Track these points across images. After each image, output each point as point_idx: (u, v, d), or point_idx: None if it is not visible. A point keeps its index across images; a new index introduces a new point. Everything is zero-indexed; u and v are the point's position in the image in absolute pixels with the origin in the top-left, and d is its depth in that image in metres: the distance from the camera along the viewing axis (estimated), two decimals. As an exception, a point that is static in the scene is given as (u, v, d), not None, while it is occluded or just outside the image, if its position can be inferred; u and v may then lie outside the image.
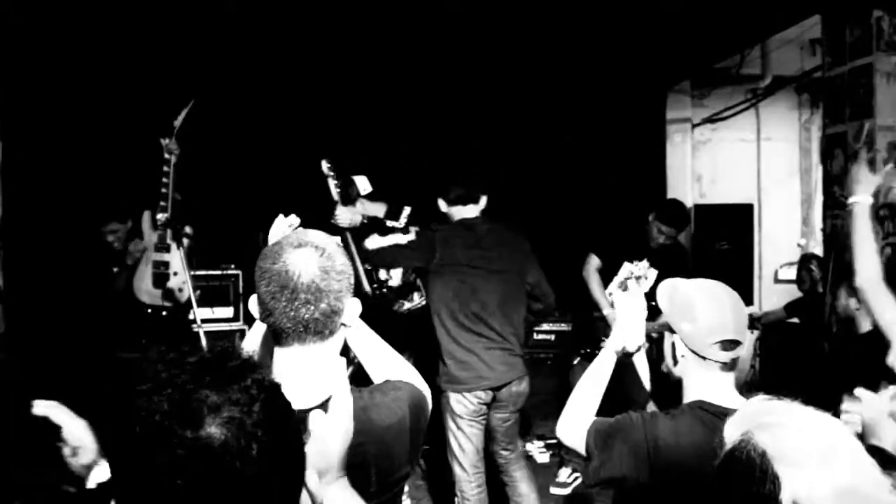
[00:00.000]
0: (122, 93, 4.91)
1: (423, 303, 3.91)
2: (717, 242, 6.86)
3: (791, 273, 6.27)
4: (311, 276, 1.39)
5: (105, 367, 3.94)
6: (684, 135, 7.24)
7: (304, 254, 1.41)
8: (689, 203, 7.12)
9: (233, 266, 5.27)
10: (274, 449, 0.94)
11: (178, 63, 4.83)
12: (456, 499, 3.60)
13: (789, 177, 7.44)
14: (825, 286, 4.54)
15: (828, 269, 4.43)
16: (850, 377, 3.16)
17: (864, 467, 1.09)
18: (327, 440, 1.19)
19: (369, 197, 4.10)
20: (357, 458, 1.36)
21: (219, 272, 5.21)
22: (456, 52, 5.22)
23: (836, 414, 1.18)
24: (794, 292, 5.85)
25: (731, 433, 1.18)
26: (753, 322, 5.59)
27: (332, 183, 3.97)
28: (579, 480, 4.66)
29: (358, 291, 3.82)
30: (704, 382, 1.87)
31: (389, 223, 4.03)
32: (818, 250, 6.06)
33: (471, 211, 3.60)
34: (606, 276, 4.56)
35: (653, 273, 4.45)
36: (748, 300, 5.60)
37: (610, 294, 4.49)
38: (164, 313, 4.23)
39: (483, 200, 3.63)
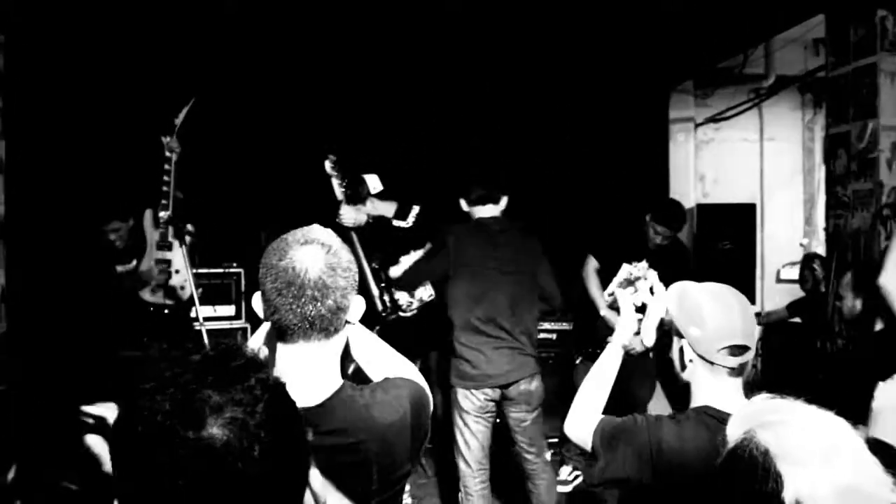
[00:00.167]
0: (123, 91, 4.91)
1: (433, 297, 3.92)
2: (720, 242, 6.84)
3: (793, 273, 6.27)
4: (319, 272, 1.39)
5: (107, 365, 3.95)
6: (687, 134, 7.23)
7: (310, 250, 1.41)
8: (691, 203, 7.12)
9: (234, 264, 5.27)
10: (277, 450, 0.93)
11: (179, 61, 4.84)
12: (459, 494, 3.64)
13: (792, 177, 7.44)
14: (828, 286, 4.53)
15: (830, 269, 4.43)
16: (863, 375, 3.18)
17: (866, 466, 1.09)
18: None
19: (379, 196, 4.10)
20: (359, 455, 1.36)
21: (221, 270, 5.22)
22: (458, 52, 5.22)
23: (839, 413, 1.17)
24: (796, 292, 5.84)
25: (734, 431, 1.18)
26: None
27: (335, 182, 3.97)
28: (581, 479, 4.67)
29: (366, 292, 3.81)
30: (712, 388, 1.85)
31: (396, 222, 4.03)
32: (821, 250, 6.05)
33: (490, 211, 3.65)
34: (607, 277, 4.56)
35: (652, 274, 4.45)
36: (750, 300, 5.58)
37: (610, 295, 4.49)
38: (165, 311, 4.23)
39: (503, 201, 3.68)
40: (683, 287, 1.97)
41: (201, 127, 4.31)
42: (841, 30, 4.40)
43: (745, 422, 1.18)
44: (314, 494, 1.16)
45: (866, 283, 3.41)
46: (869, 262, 3.96)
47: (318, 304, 1.39)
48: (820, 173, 6.94)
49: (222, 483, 0.89)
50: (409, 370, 1.68)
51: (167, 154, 4.12)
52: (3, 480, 1.41)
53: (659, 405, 4.41)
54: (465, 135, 5.76)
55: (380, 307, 4.06)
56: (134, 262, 4.26)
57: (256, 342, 1.71)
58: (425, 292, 3.93)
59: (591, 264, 4.58)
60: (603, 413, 2.02)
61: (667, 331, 1.98)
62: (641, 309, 2.18)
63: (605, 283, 4.55)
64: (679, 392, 1.94)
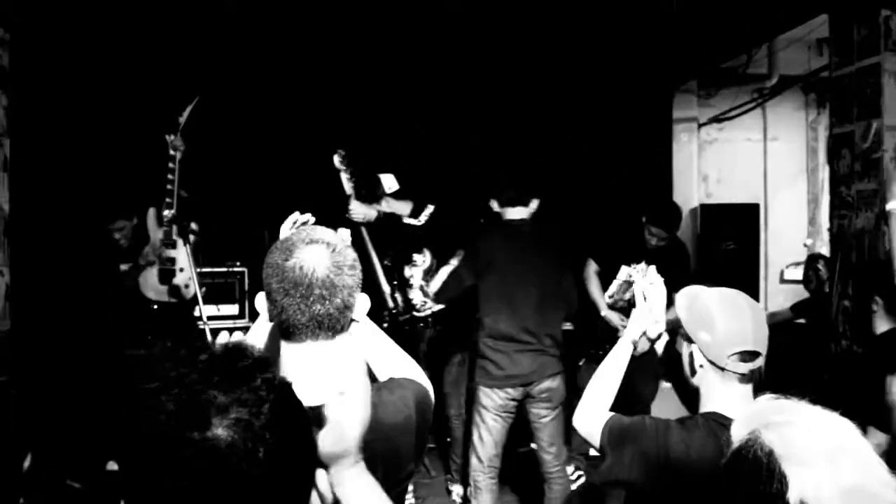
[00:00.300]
0: (127, 89, 4.91)
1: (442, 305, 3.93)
2: (724, 242, 6.84)
3: (797, 273, 6.26)
4: (326, 271, 1.40)
5: (111, 363, 3.95)
6: (690, 134, 7.22)
7: (316, 250, 1.41)
8: (695, 203, 7.11)
9: (238, 263, 5.27)
10: (282, 451, 0.93)
11: (183, 59, 4.84)
12: (469, 488, 3.74)
13: (796, 177, 7.43)
14: (832, 286, 4.52)
15: (834, 270, 4.42)
16: (869, 375, 3.18)
17: (871, 467, 1.08)
18: (344, 426, 1.19)
19: (395, 195, 4.11)
20: (364, 455, 1.36)
21: (224, 269, 5.21)
22: (461, 52, 5.22)
23: (845, 414, 1.17)
24: (800, 292, 5.83)
25: (739, 432, 1.17)
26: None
27: (344, 176, 3.97)
28: (583, 479, 4.66)
29: (376, 290, 3.81)
30: (722, 394, 1.84)
31: (406, 220, 4.05)
32: (825, 250, 6.04)
33: (520, 213, 3.71)
34: (608, 279, 4.59)
35: (651, 269, 4.44)
36: (754, 300, 5.56)
37: (610, 297, 4.51)
38: (169, 310, 4.24)
39: (534, 204, 3.72)
40: (694, 291, 1.95)
41: (205, 125, 4.32)
42: (844, 29, 4.39)
43: (749, 422, 1.17)
44: (320, 495, 1.16)
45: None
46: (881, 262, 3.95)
47: (327, 302, 1.40)
48: (824, 173, 6.93)
49: (227, 484, 0.89)
50: (413, 369, 1.69)
51: (171, 152, 4.13)
52: (18, 470, 1.42)
53: (663, 405, 4.41)
54: (466, 135, 5.76)
55: (390, 304, 4.07)
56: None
57: (252, 340, 1.71)
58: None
59: (592, 266, 4.65)
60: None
61: (671, 331, 1.98)
62: None
63: (605, 285, 4.58)
64: (690, 395, 1.94)
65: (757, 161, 7.39)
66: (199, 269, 4.09)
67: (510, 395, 3.61)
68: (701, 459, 1.72)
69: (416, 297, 4.03)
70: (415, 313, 4.03)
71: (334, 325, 1.42)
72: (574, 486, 4.69)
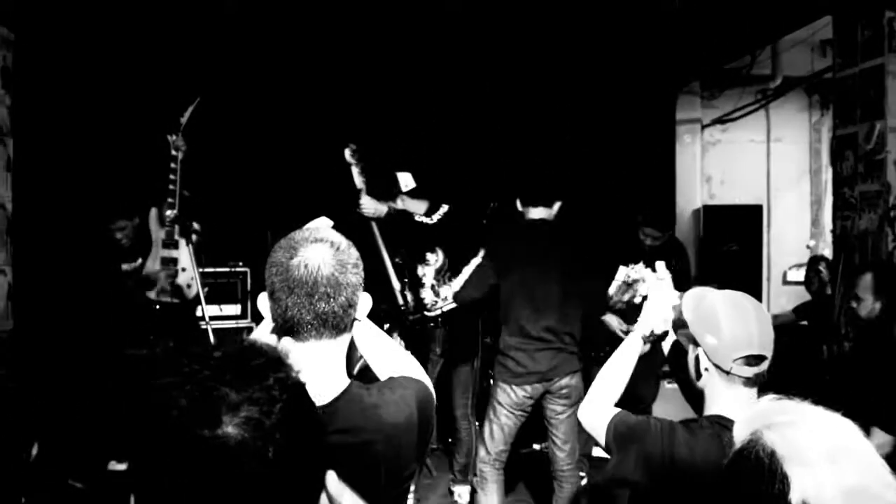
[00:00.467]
0: (129, 89, 4.92)
1: (453, 304, 3.91)
2: (727, 243, 6.83)
3: (800, 275, 6.24)
4: (331, 269, 1.40)
5: (112, 363, 3.95)
6: (694, 136, 7.22)
7: (321, 248, 1.42)
8: (698, 204, 7.11)
9: (240, 263, 5.27)
10: (292, 451, 0.93)
11: (185, 59, 4.85)
12: (475, 478, 3.80)
13: (799, 178, 7.41)
14: (834, 288, 4.52)
15: (837, 271, 4.41)
16: (872, 376, 3.17)
17: (873, 468, 1.08)
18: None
19: (411, 194, 4.11)
20: (367, 455, 1.36)
21: (227, 269, 5.22)
22: (463, 52, 5.21)
23: (846, 415, 1.17)
24: (802, 294, 5.82)
25: (741, 433, 1.17)
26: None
27: (355, 170, 3.97)
28: (586, 480, 4.65)
29: (387, 287, 3.79)
30: (727, 397, 1.83)
31: (418, 218, 4.05)
32: (827, 252, 6.03)
33: (541, 213, 3.74)
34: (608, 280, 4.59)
35: (660, 264, 4.45)
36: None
37: (610, 297, 4.51)
38: (172, 310, 4.23)
39: (556, 206, 3.76)
40: (700, 294, 1.95)
41: (207, 125, 4.32)
42: (848, 31, 4.39)
43: (751, 423, 1.17)
44: (330, 497, 1.15)
45: (886, 285, 3.40)
46: (883, 263, 3.94)
47: (332, 301, 1.40)
48: (827, 175, 6.91)
49: (235, 482, 0.89)
50: (414, 368, 1.68)
51: (173, 152, 4.13)
52: (26, 458, 1.41)
53: (664, 405, 4.41)
54: (467, 135, 5.76)
55: (400, 301, 4.06)
56: (139, 261, 4.27)
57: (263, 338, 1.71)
58: (450, 291, 3.92)
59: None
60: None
61: (676, 330, 1.98)
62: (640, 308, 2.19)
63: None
64: (696, 396, 1.94)
65: (760, 162, 7.38)
66: (201, 269, 4.09)
67: (528, 392, 3.63)
68: (705, 462, 1.72)
69: (427, 296, 4.02)
70: (426, 313, 4.02)
71: (338, 323, 1.43)
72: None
